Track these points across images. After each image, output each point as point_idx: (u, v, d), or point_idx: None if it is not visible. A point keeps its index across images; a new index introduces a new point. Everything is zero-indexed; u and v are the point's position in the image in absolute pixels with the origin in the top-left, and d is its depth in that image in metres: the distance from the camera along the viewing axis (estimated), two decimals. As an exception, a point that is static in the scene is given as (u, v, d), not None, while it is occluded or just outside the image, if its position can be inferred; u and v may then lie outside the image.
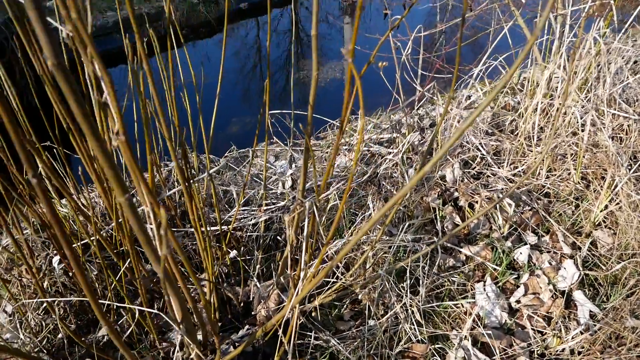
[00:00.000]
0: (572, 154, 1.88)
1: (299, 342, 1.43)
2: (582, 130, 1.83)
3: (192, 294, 1.56)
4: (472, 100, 2.21)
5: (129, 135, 0.74)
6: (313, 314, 1.43)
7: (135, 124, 1.50)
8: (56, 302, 1.29)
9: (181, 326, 0.96)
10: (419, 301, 1.50)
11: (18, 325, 1.34)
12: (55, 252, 1.46)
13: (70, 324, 1.37)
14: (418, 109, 2.28)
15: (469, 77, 2.15)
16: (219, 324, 1.45)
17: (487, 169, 2.01)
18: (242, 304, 1.52)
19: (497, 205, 1.76)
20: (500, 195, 1.87)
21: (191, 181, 1.24)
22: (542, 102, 1.97)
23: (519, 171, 1.98)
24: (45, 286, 1.42)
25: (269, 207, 1.63)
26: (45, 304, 1.39)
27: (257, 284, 1.54)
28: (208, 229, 1.51)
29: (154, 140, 1.42)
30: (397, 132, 2.12)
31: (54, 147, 1.37)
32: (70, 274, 1.42)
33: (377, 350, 1.43)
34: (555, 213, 1.83)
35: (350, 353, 1.42)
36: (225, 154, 2.38)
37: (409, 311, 1.47)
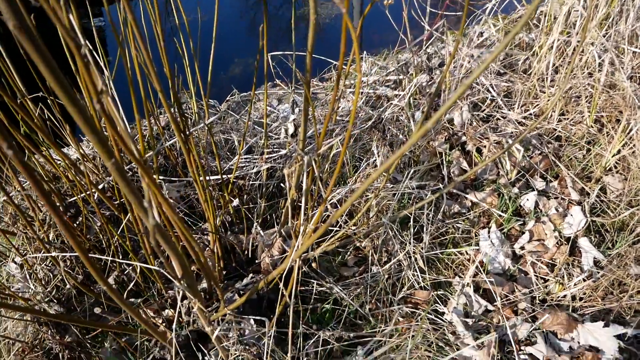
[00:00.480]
0: (587, 96, 1.80)
1: (303, 288, 1.46)
2: (600, 71, 1.73)
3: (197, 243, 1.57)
4: (485, 37, 2.09)
5: (122, 85, 0.70)
6: (314, 263, 1.44)
7: (129, 72, 1.45)
8: (60, 255, 1.31)
9: (182, 282, 0.97)
10: (422, 248, 1.51)
11: (27, 276, 1.37)
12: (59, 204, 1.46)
13: (77, 274, 1.39)
14: (427, 47, 2.17)
15: (481, 12, 2.02)
16: (224, 272, 1.47)
17: (497, 112, 1.94)
18: (246, 252, 1.54)
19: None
20: (510, 140, 1.82)
21: (188, 132, 1.20)
22: (558, 40, 1.86)
23: (531, 114, 1.91)
24: (51, 238, 1.44)
25: (270, 155, 1.60)
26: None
27: (261, 232, 1.54)
28: (208, 179, 1.49)
29: (150, 90, 1.37)
30: (404, 73, 2.03)
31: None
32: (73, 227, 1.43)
33: (380, 296, 1.46)
34: (565, 157, 1.78)
35: (353, 299, 1.44)
36: (227, 98, 2.32)
37: (412, 258, 1.48)
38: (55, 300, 1.34)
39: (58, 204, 1.39)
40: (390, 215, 1.48)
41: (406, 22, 1.77)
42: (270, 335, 1.12)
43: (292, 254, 1.05)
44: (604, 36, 1.76)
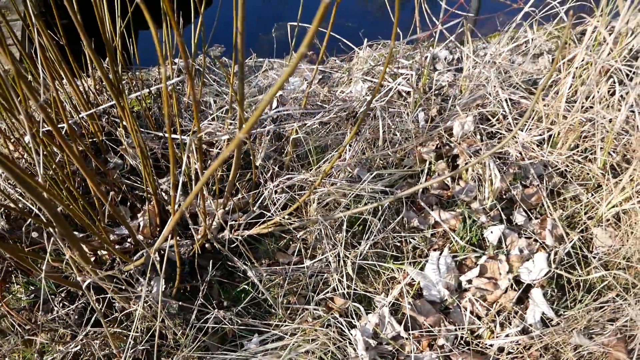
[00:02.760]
0: (604, 132, 1.55)
1: (231, 264, 1.45)
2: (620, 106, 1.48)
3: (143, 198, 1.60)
4: (516, 44, 1.86)
5: None
6: (208, 245, 1.41)
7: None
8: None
9: (56, 230, 1.01)
10: (355, 256, 1.42)
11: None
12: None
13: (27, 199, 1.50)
14: (445, 44, 1.98)
15: (507, 22, 1.79)
16: (158, 229, 1.51)
17: (506, 131, 1.74)
18: (190, 216, 1.56)
19: (488, 173, 1.54)
20: (509, 165, 1.63)
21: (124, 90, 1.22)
22: (582, 60, 1.60)
23: (543, 140, 1.69)
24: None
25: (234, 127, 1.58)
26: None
27: (210, 199, 1.55)
28: (144, 141, 1.52)
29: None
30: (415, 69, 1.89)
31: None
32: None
33: (299, 290, 1.41)
34: (562, 197, 1.56)
35: (271, 287, 1.41)
36: (246, 61, 2.32)
37: (341, 263, 1.41)
38: (4, 217, 1.47)
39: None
40: (328, 214, 1.41)
41: (417, 15, 1.61)
42: (145, 298, 1.14)
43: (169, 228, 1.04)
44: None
